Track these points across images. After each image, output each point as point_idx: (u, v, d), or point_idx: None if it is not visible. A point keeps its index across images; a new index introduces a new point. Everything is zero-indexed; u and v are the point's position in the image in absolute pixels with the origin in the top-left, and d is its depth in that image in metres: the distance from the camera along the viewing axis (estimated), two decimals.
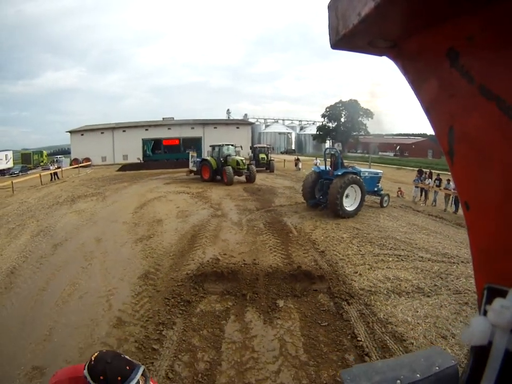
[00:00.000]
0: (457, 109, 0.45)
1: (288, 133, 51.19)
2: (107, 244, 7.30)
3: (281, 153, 45.09)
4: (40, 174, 22.56)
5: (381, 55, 0.52)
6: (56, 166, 27.41)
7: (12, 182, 18.13)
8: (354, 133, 43.71)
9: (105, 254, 6.64)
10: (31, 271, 6.27)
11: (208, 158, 17.60)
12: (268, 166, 22.42)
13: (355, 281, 5.09)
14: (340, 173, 9.11)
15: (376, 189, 10.94)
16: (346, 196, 9.20)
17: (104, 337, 3.90)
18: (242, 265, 5.31)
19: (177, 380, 3.15)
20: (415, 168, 20.12)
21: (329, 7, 0.49)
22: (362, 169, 10.60)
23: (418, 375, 0.71)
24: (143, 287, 4.92)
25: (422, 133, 54.03)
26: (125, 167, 27.48)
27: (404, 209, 11.01)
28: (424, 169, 14.03)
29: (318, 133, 45.35)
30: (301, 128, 54.69)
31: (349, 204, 9.26)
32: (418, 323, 4.21)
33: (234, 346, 3.51)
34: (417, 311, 4.47)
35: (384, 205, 10.89)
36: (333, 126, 43.96)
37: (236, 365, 3.27)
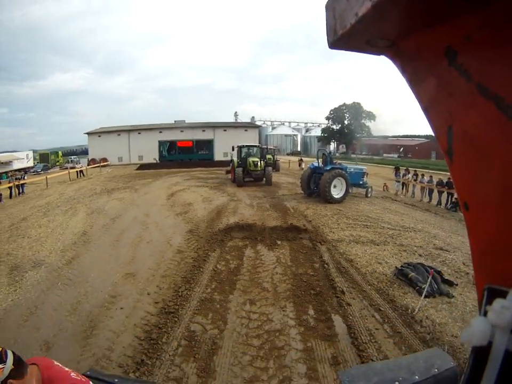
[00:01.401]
0: (456, 107, 0.45)
1: (294, 135, 53.89)
2: (154, 217, 10.13)
3: (287, 154, 47.73)
4: (68, 171, 25.63)
5: (379, 54, 0.53)
6: (81, 165, 30.77)
7: (46, 177, 21.18)
8: (358, 135, 46.08)
9: (155, 222, 9.47)
10: (101, 232, 9.02)
11: (235, 158, 17.90)
12: (274, 166, 25.16)
13: (329, 235, 7.78)
14: (328, 168, 11.83)
15: (361, 182, 13.56)
16: (334, 186, 11.85)
17: (171, 257, 6.66)
18: (255, 224, 8.11)
19: (219, 271, 5.87)
20: (410, 169, 22.69)
21: (326, 7, 0.51)
22: (349, 166, 13.26)
23: (416, 377, 0.73)
24: (190, 236, 7.73)
25: (427, 134, 56.00)
26: (143, 166, 30.58)
27: (384, 199, 13.60)
28: (401, 167, 16.57)
29: (322, 135, 47.90)
30: (307, 130, 57.36)
31: (336, 193, 11.91)
32: (364, 256, 6.84)
33: (250, 258, 6.26)
34: (366, 251, 7.10)
35: (368, 196, 13.49)
36: (337, 128, 46.47)
37: (252, 265, 6.01)
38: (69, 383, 1.25)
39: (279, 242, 7.09)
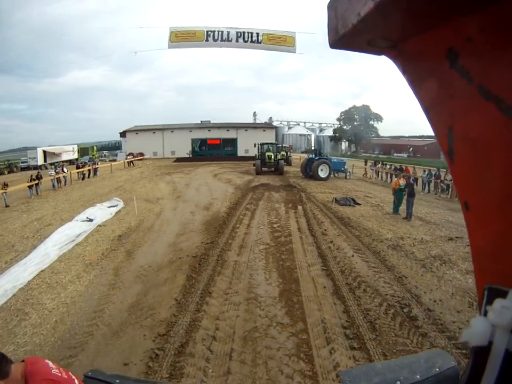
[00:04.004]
0: (456, 109, 0.47)
1: (308, 134, 61.39)
2: (211, 183, 18.57)
3: (301, 152, 55.30)
4: (124, 161, 34.44)
5: (380, 55, 0.56)
6: (132, 156, 39.87)
7: (111, 164, 29.78)
8: (367, 135, 53.11)
9: (214, 185, 17.92)
10: (184, 189, 17.34)
11: (258, 154, 24.43)
12: (287, 161, 33.15)
13: (308, 190, 15.96)
14: (316, 158, 19.90)
15: (342, 169, 21.47)
16: (321, 170, 19.81)
17: (230, 195, 15.03)
18: (269, 184, 16.48)
19: (252, 201, 14.04)
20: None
21: (328, 7, 0.54)
22: (333, 157, 21.26)
23: (418, 377, 0.77)
24: (236, 189, 16.23)
25: None
26: (179, 159, 39.52)
27: (358, 180, 21.42)
28: (369, 160, 24.34)
29: (334, 135, 55.27)
30: (320, 130, 64.69)
31: (322, 174, 19.88)
32: (322, 196, 14.84)
33: (267, 195, 14.62)
34: (324, 195, 15.13)
35: (347, 178, 21.35)
36: (347, 128, 53.70)
37: (268, 197, 14.32)
38: (42, 378, 1.41)
39: (281, 190, 15.42)
